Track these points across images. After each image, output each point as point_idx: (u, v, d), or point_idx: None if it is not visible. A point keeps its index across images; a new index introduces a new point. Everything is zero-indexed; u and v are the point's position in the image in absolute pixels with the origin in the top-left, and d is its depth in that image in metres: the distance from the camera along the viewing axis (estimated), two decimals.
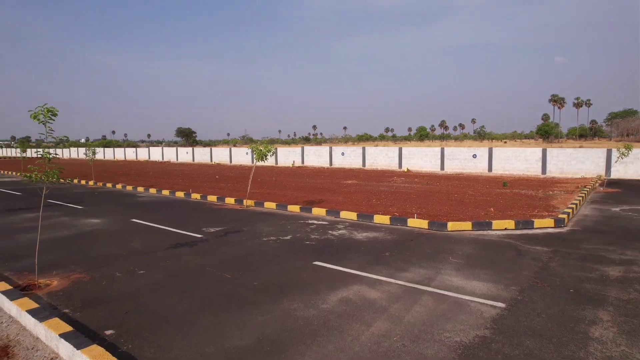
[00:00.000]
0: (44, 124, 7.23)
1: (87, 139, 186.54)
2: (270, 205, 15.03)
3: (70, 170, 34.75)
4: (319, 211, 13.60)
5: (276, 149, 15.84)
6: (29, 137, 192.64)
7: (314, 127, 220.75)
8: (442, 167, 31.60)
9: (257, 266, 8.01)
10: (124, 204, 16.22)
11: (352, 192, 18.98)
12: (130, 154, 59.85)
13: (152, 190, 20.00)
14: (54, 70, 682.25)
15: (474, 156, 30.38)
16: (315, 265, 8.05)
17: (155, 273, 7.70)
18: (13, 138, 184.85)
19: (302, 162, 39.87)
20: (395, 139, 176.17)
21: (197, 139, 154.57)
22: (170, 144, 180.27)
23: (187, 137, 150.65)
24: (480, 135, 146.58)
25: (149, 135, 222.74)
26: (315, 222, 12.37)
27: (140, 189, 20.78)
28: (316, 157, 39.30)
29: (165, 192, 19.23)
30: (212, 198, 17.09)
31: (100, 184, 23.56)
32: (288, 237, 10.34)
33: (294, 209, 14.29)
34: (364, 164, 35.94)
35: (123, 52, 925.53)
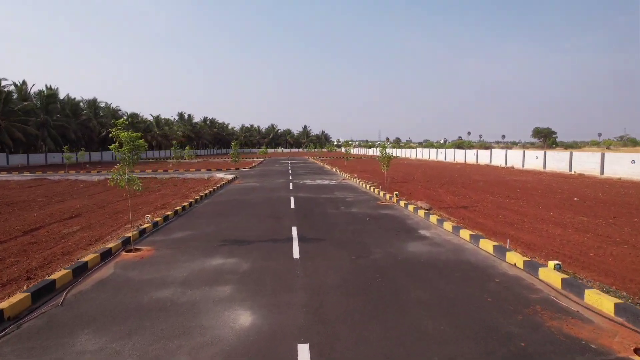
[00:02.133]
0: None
1: (445, 140, 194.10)
2: None
3: (395, 171, 30.74)
4: None
5: None
6: (399, 139, 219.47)
7: None
8: None
9: None
10: (365, 264, 8.46)
11: None
12: (470, 157, 52.44)
13: (447, 226, 11.46)
14: (424, 75, 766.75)
15: None
16: None
17: None
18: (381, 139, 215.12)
19: None
20: None
21: (557, 140, 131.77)
22: (526, 145, 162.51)
23: (544, 138, 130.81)
24: None
25: (503, 136, 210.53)
26: None
27: (433, 219, 12.62)
28: None
29: (465, 235, 10.32)
30: (548, 276, 7.04)
31: (395, 199, 16.98)
32: None
33: None
34: None
35: (482, 51, 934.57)
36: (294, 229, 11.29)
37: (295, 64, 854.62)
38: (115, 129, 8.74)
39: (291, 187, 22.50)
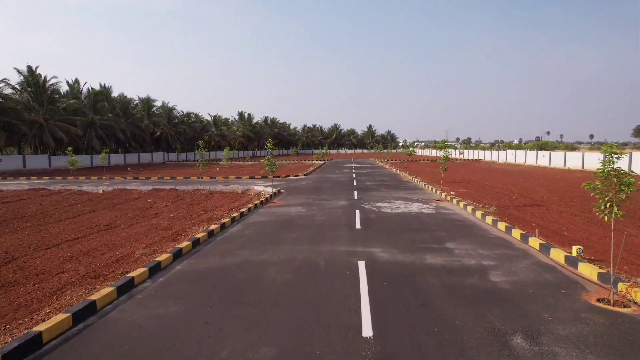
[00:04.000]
0: None
1: (520, 141, 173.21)
2: None
3: (496, 183, 19.73)
4: None
5: None
6: (470, 139, 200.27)
7: None
8: None
9: None
10: None
11: None
12: (574, 160, 38.65)
13: None
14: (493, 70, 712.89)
15: None
16: None
17: None
18: (457, 139, 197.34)
19: None
20: None
21: None
22: (621, 146, 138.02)
23: None
24: None
25: (591, 136, 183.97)
26: None
27: None
28: None
29: None
30: None
31: (629, 291, 6.62)
32: None
33: None
34: None
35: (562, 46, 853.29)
36: None
37: (360, 63, 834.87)
38: None
39: (358, 224, 12.35)
